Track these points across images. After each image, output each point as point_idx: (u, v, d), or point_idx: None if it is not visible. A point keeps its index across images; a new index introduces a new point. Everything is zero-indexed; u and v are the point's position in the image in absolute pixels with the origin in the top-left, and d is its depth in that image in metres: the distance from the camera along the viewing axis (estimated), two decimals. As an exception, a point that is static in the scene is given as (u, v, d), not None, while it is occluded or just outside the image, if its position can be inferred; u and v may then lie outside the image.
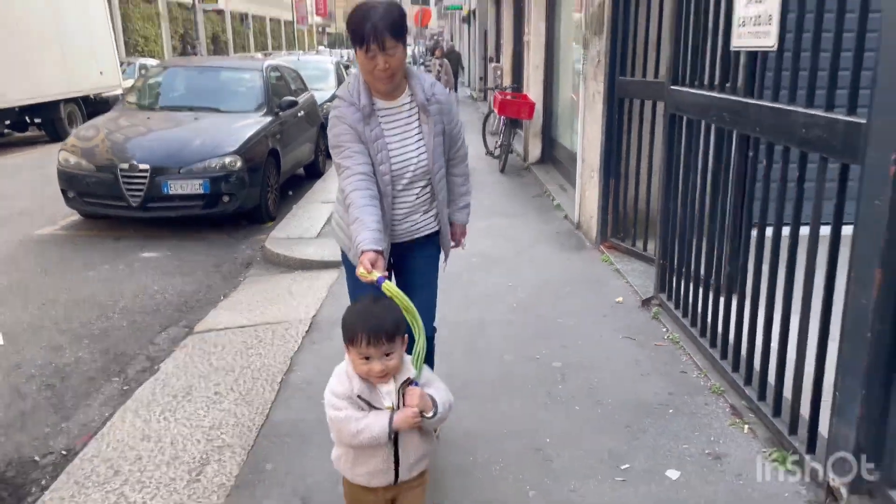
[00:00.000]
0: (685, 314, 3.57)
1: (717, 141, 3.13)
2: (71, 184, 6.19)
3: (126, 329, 4.23)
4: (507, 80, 12.22)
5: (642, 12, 4.45)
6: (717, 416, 2.83)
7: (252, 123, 6.78)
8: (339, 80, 11.76)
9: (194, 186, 6.02)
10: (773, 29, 2.53)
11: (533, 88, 9.35)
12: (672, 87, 3.64)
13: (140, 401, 3.23)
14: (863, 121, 1.99)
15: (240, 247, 5.98)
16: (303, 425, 2.92)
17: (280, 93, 7.76)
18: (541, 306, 4.16)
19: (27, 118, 12.70)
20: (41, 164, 10.08)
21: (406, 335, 1.86)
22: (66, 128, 12.85)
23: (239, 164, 6.16)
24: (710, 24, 3.15)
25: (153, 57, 22.46)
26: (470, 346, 3.59)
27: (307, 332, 3.88)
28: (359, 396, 1.82)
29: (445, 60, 14.16)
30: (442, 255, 2.67)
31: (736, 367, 2.96)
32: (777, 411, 2.60)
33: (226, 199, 6.16)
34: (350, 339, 1.82)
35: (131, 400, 3.25)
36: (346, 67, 14.28)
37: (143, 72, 15.72)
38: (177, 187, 5.99)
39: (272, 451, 2.75)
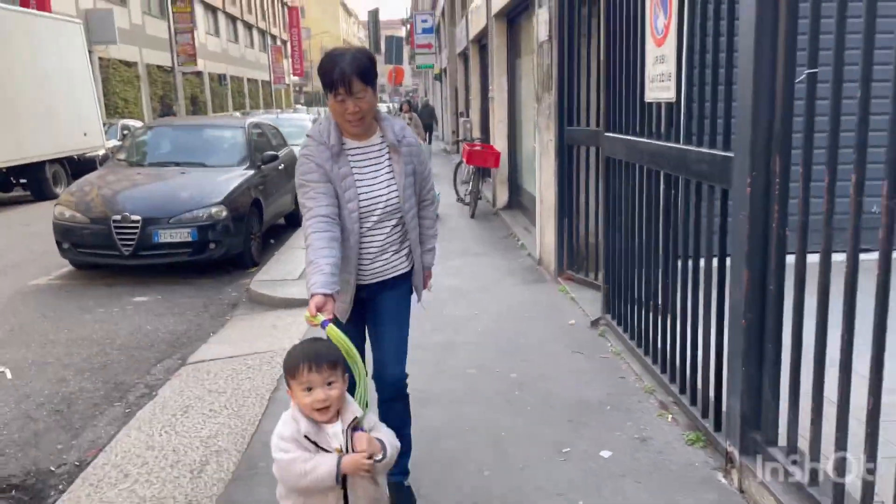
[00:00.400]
0: (626, 330, 4.07)
1: (640, 179, 3.68)
2: (65, 235, 6.61)
3: (124, 362, 4.61)
4: (476, 133, 12.93)
5: (584, 71, 5.07)
6: (647, 410, 3.30)
7: (236, 176, 7.29)
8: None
9: (183, 235, 6.47)
10: (673, 84, 3.11)
11: (499, 140, 10.01)
12: (606, 133, 4.22)
13: (142, 420, 3.62)
14: (731, 154, 2.54)
15: (226, 290, 6.40)
16: (290, 432, 3.33)
17: (262, 148, 8.32)
18: (502, 330, 4.63)
19: (12, 178, 13.11)
20: (28, 222, 10.48)
21: (347, 374, 1.89)
22: (51, 188, 13.27)
23: (224, 213, 6.64)
24: (631, 81, 3.75)
25: (133, 118, 23.08)
26: (439, 364, 4.04)
27: (291, 358, 4.29)
28: (305, 436, 1.82)
29: (414, 115, 14.88)
30: (414, 296, 2.70)
31: (664, 370, 3.44)
32: (693, 401, 3.07)
33: (212, 246, 6.61)
34: (292, 370, 1.84)
35: (134, 419, 3.64)
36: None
37: (125, 132, 16.31)
38: (166, 236, 6.44)
39: (264, 453, 3.13)
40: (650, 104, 3.47)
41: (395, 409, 2.63)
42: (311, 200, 2.33)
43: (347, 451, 1.83)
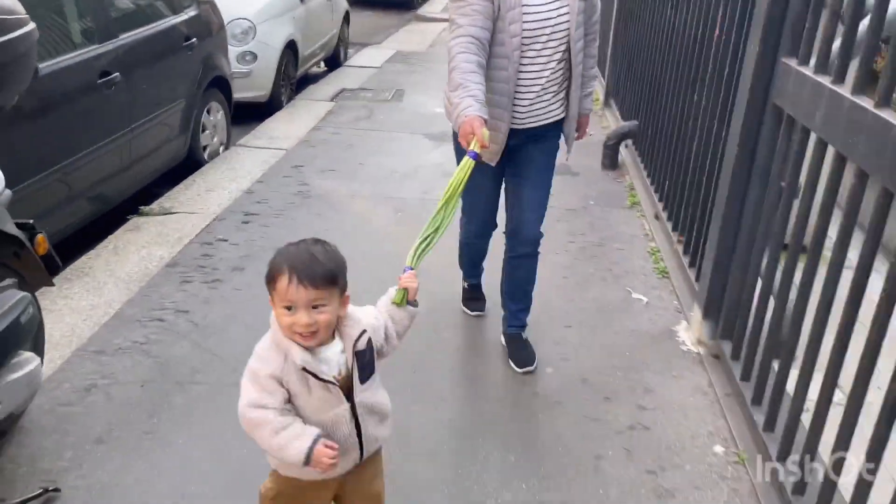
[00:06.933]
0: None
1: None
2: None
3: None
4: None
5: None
6: (622, 196, 4.96)
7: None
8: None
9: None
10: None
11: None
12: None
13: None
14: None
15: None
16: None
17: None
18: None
19: None
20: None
21: (348, 294, 1.42)
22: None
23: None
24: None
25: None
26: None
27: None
28: (304, 369, 1.36)
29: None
30: (564, 147, 2.47)
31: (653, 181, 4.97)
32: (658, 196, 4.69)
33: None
34: (273, 276, 1.35)
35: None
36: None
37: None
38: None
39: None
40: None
41: (524, 265, 2.54)
42: (464, 17, 2.05)
43: (350, 375, 1.44)
